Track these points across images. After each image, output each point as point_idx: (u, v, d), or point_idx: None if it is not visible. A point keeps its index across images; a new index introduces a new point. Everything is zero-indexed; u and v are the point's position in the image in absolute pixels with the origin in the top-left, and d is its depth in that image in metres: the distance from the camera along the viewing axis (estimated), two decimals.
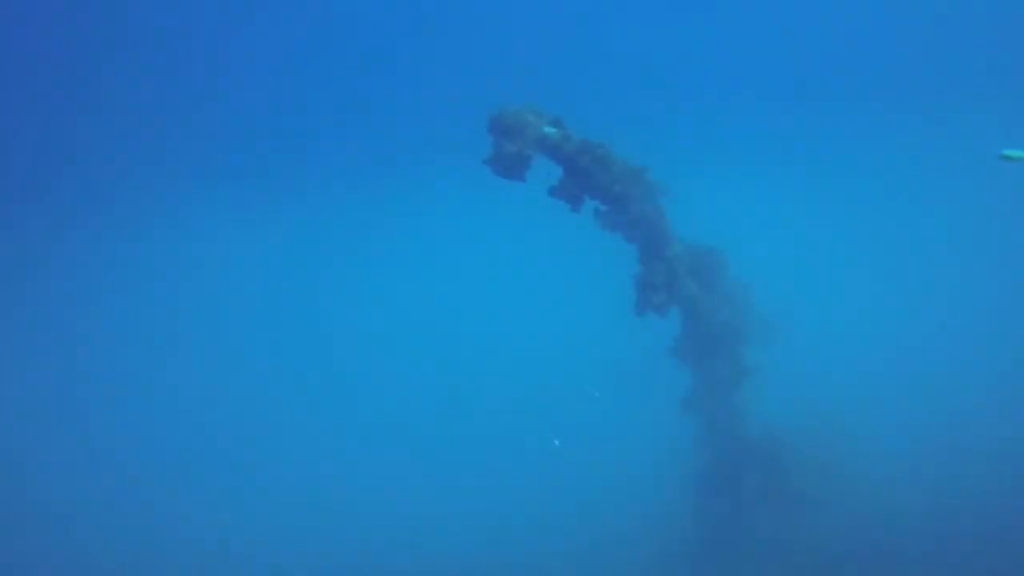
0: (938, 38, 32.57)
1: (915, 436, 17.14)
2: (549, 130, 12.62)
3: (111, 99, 28.71)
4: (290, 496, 21.02)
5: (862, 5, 32.25)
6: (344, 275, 38.50)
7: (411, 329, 33.86)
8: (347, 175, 35.27)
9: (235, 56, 30.11)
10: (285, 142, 32.70)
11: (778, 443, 15.04)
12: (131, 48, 27.82)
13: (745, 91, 33.59)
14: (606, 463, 18.94)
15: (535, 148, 12.44)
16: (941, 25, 31.74)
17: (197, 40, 29.08)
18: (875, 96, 34.60)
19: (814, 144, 35.76)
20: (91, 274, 35.34)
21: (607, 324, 18.42)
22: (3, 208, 31.04)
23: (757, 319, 15.51)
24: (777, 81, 33.83)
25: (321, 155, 34.03)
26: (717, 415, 15.03)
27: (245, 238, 36.66)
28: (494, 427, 22.70)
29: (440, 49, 31.08)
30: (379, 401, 26.78)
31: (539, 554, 16.38)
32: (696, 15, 31.90)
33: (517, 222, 31.22)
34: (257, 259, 37.70)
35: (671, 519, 15.43)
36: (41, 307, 34.94)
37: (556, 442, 19.90)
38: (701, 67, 33.20)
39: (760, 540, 14.48)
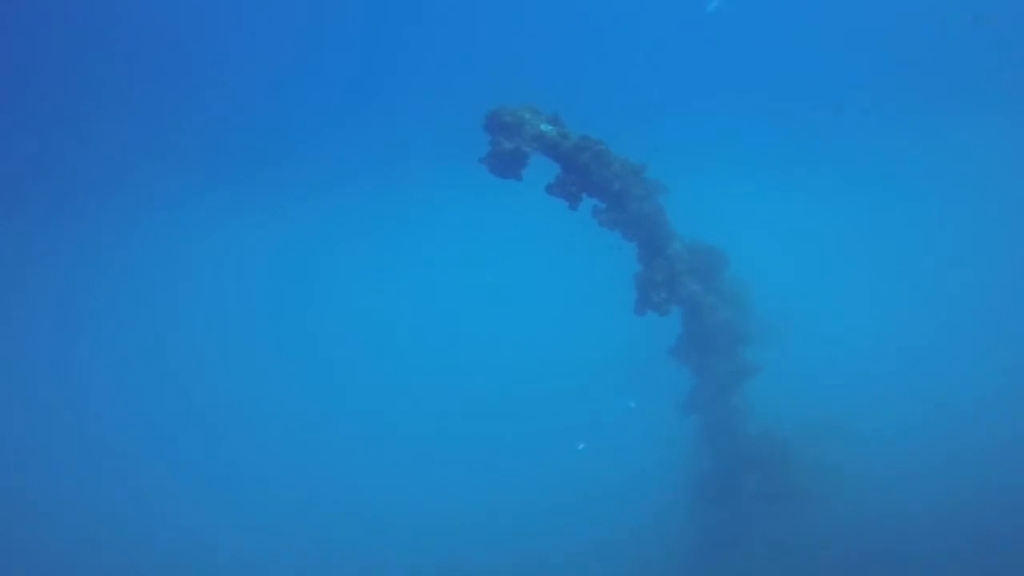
0: (939, 38, 32.51)
1: (916, 436, 17.08)
2: (546, 127, 12.54)
3: (110, 97, 28.70)
4: (293, 495, 21.05)
5: (862, 5, 32.20)
6: (343, 275, 38.54)
7: (408, 328, 33.91)
8: (343, 173, 35.28)
9: (233, 56, 30.09)
10: (281, 141, 32.69)
11: (779, 443, 14.96)
12: (129, 45, 27.80)
13: (746, 89, 33.53)
14: (606, 463, 18.90)
15: (532, 145, 12.36)
16: (942, 25, 31.66)
17: (194, 40, 29.07)
18: (877, 96, 34.53)
19: (814, 144, 35.73)
20: (90, 274, 35.37)
21: (606, 323, 18.38)
22: None
23: (758, 318, 15.43)
24: (778, 80, 33.76)
25: (318, 154, 34.03)
26: (718, 415, 14.96)
27: (243, 238, 36.68)
28: (493, 427, 22.69)
29: (437, 48, 31.03)
30: (376, 402, 26.81)
31: (538, 555, 16.33)
32: (696, 14, 31.84)
33: (514, 220, 31.24)
34: (256, 259, 37.75)
35: (671, 520, 15.37)
36: (38, 307, 34.99)
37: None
38: (701, 66, 33.15)
39: (760, 540, 14.43)
